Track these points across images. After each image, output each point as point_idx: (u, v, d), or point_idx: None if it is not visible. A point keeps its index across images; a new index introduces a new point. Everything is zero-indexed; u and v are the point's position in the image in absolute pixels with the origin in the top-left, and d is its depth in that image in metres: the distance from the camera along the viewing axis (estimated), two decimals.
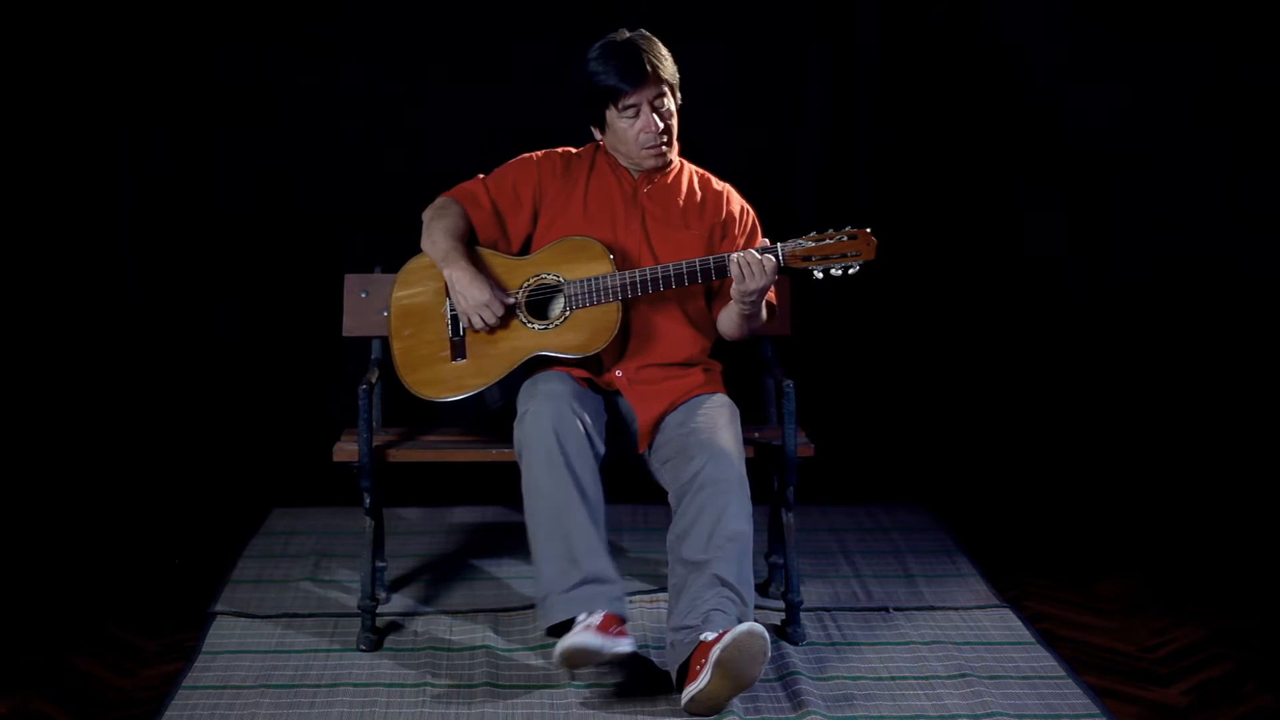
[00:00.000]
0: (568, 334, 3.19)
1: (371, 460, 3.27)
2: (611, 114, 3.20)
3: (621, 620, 2.95)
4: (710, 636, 2.87)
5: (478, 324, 3.19)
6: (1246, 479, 4.43)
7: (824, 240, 3.11)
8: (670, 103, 3.22)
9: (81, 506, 4.34)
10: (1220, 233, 4.62)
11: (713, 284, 3.27)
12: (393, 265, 3.46)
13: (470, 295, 3.16)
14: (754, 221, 3.37)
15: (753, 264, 3.08)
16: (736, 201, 3.36)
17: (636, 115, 3.18)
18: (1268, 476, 4.39)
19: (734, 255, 3.10)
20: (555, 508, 3.00)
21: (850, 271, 3.11)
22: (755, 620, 2.91)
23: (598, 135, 3.30)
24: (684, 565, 3.00)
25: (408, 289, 3.31)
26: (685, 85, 3.27)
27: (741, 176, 3.48)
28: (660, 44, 3.21)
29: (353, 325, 3.55)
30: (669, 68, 3.20)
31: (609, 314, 3.19)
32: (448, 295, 3.23)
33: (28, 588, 3.70)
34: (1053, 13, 4.61)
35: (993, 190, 4.74)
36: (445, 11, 4.59)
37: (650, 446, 3.21)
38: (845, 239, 3.11)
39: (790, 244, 3.12)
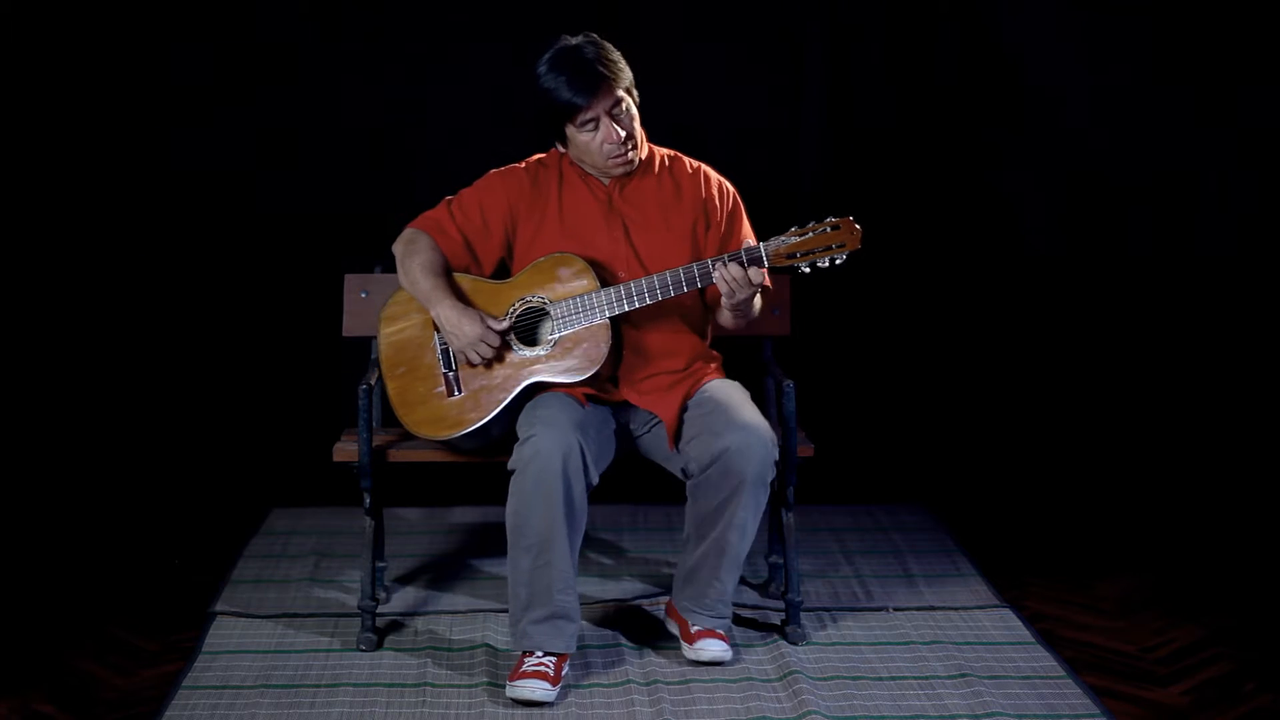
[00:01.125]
0: (561, 358, 3.13)
1: (371, 460, 3.27)
2: (571, 130, 3.09)
3: (568, 657, 3.10)
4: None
5: (474, 360, 3.13)
6: (1246, 479, 4.43)
7: (806, 234, 3.03)
8: (629, 106, 3.10)
9: (81, 506, 4.33)
10: (1221, 233, 4.62)
11: (698, 289, 3.17)
12: (393, 265, 3.45)
13: (462, 333, 3.11)
14: (734, 198, 3.28)
15: (738, 277, 3.02)
16: (714, 181, 3.27)
17: (596, 128, 3.07)
18: (1267, 477, 4.39)
19: (717, 267, 3.03)
20: (543, 539, 3.00)
21: (837, 263, 3.04)
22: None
23: (560, 149, 3.21)
24: (699, 538, 3.16)
25: (394, 324, 3.24)
26: (686, 77, 3.22)
27: (741, 169, 3.46)
28: (610, 46, 3.11)
29: (353, 325, 3.55)
30: (622, 72, 3.08)
31: (599, 334, 3.12)
32: (436, 328, 3.18)
33: (28, 588, 3.70)
34: (1052, 11, 4.61)
35: (993, 189, 4.74)
36: (447, 10, 4.59)
37: (678, 441, 3.18)
38: (829, 230, 3.03)
39: (773, 243, 3.04)
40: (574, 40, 3.11)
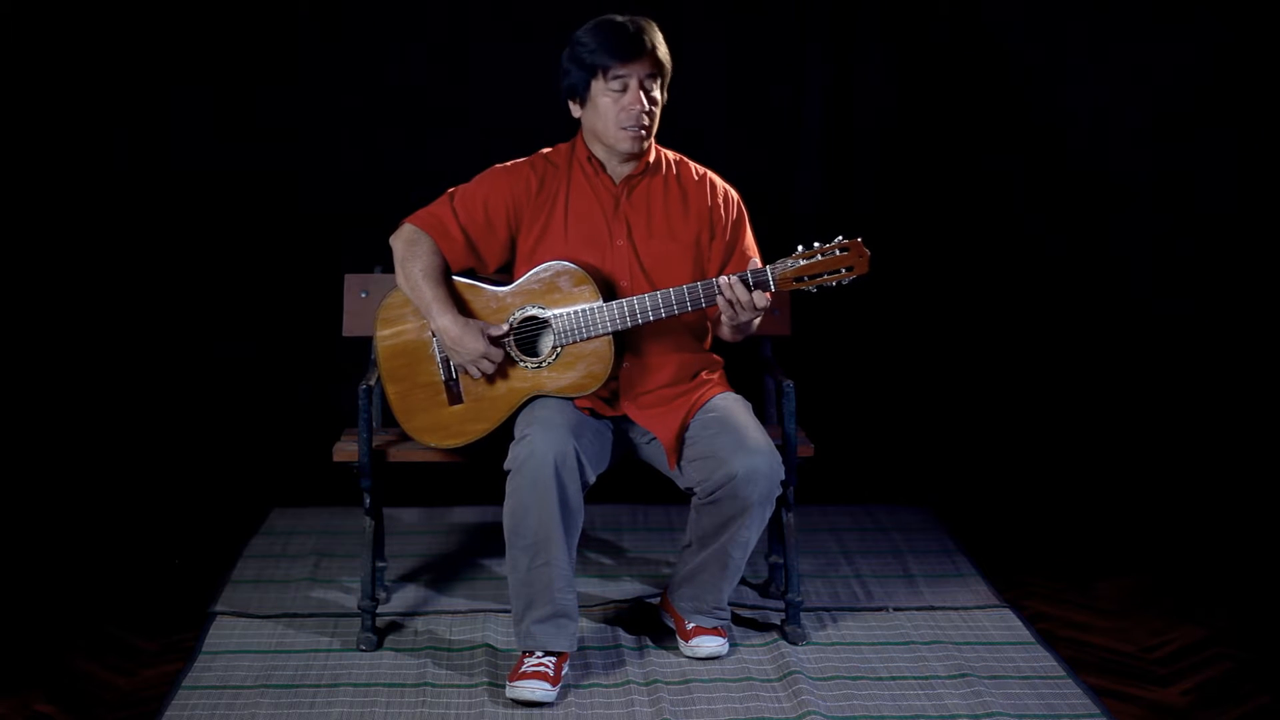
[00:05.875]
0: (562, 372, 3.10)
1: (371, 460, 3.27)
2: (597, 86, 3.05)
3: (568, 656, 3.10)
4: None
5: (475, 374, 3.12)
6: (1246, 479, 4.43)
7: (814, 257, 2.95)
8: (659, 93, 3.09)
9: (81, 506, 4.33)
10: (1222, 232, 4.62)
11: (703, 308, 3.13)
12: (393, 265, 3.45)
13: (464, 349, 3.08)
14: (739, 207, 3.24)
15: (742, 300, 2.97)
16: (720, 189, 3.23)
17: (624, 90, 3.04)
18: (1267, 477, 4.39)
19: (722, 288, 2.98)
20: (540, 539, 2.99)
21: (843, 284, 2.99)
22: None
23: (575, 111, 3.15)
24: (701, 548, 3.16)
25: (391, 327, 3.21)
26: (685, 84, 3.21)
27: (741, 174, 3.45)
28: (660, 33, 3.10)
29: (353, 325, 3.54)
30: (666, 56, 3.08)
31: (601, 349, 3.09)
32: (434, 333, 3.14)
33: (28, 588, 3.70)
34: (1052, 13, 4.61)
35: (994, 190, 4.74)
36: (445, 12, 4.59)
37: (679, 460, 3.16)
38: (837, 253, 2.95)
39: (779, 266, 2.97)
40: (622, 17, 3.09)
